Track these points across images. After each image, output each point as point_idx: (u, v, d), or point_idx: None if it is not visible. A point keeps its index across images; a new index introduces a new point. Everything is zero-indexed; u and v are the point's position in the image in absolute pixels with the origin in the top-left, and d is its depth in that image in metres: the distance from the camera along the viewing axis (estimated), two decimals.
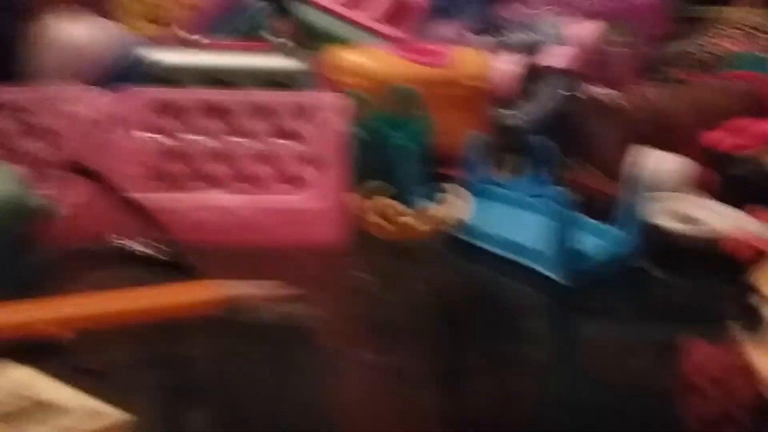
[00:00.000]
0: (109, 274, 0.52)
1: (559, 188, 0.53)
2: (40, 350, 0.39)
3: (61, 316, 0.43)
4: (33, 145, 0.63)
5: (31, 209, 0.50)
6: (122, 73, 0.70)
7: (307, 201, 0.58)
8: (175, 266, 0.52)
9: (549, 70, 0.74)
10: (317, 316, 0.49)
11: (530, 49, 0.75)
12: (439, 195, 0.60)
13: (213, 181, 0.65)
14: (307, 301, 0.49)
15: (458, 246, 0.59)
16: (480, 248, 0.58)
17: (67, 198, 0.55)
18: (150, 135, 0.66)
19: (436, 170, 0.72)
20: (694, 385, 0.33)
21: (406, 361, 0.44)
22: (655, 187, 0.62)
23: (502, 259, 0.56)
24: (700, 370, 0.33)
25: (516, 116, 0.74)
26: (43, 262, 0.49)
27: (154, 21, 0.89)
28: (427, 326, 0.50)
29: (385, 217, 0.57)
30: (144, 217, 0.55)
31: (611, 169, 0.67)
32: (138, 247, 0.52)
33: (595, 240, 0.56)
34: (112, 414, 0.34)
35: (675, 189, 0.62)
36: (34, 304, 0.44)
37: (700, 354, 0.34)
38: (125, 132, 0.63)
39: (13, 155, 0.61)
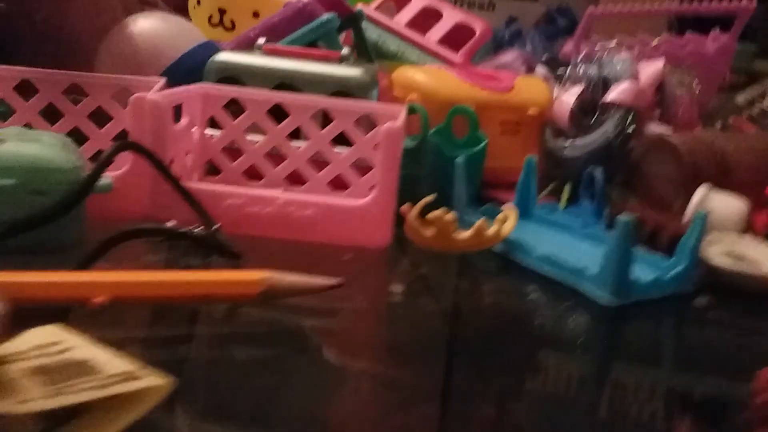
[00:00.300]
0: (152, 253, 0.52)
1: (625, 215, 0.51)
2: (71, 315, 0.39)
3: (97, 283, 0.43)
4: (94, 128, 0.65)
5: (88, 183, 0.50)
6: (190, 70, 0.71)
7: (357, 204, 0.58)
8: (219, 251, 0.52)
9: (611, 105, 0.73)
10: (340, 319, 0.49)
11: (595, 83, 0.75)
12: (492, 214, 0.59)
13: (266, 179, 0.66)
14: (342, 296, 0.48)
15: (505, 263, 0.58)
16: (526, 267, 0.57)
17: (116, 175, 0.56)
18: (210, 130, 0.67)
19: (487, 193, 0.73)
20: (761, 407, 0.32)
21: (425, 377, 0.43)
22: (714, 226, 0.60)
23: (547, 279, 0.55)
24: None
25: (574, 147, 0.73)
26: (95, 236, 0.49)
27: (220, 26, 0.91)
28: (458, 342, 0.48)
29: (439, 228, 0.56)
30: (191, 202, 0.55)
31: (666, 206, 0.66)
32: (183, 229, 0.52)
33: (648, 270, 0.55)
34: (149, 377, 0.33)
35: (733, 230, 0.61)
36: (73, 273, 0.45)
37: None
38: (186, 124, 0.64)
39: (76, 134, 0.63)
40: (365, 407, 0.40)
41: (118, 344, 0.36)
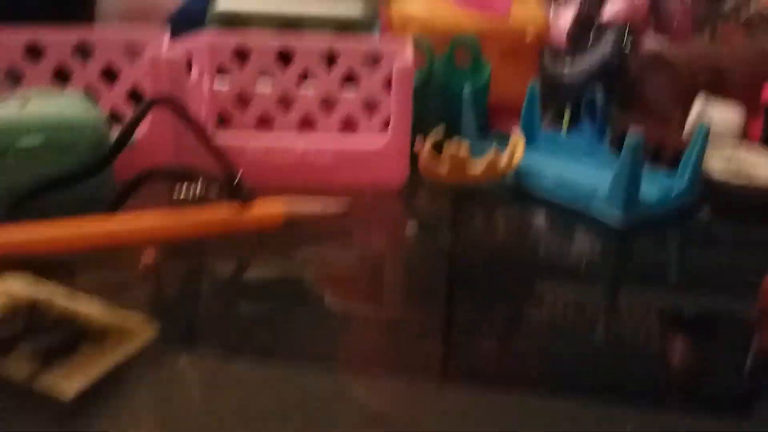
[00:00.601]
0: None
1: (632, 135, 0.54)
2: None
3: (122, 229, 0.46)
4: (104, 87, 0.66)
5: (123, 138, 0.52)
6: (192, 19, 0.71)
7: (374, 147, 0.60)
8: (236, 192, 0.53)
9: (607, 24, 0.74)
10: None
11: (588, 2, 0.76)
12: (501, 143, 0.62)
13: (278, 126, 0.68)
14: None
15: (516, 192, 0.61)
16: (536, 195, 0.60)
17: (140, 131, 0.57)
18: (217, 80, 0.68)
19: (489, 122, 0.75)
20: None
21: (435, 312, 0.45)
22: (713, 136, 0.63)
23: (557, 206, 0.58)
24: None
25: (573, 70, 0.75)
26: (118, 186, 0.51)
27: None
28: (476, 274, 0.50)
29: (453, 164, 0.58)
30: (216, 154, 0.57)
31: (665, 120, 0.69)
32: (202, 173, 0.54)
33: (653, 187, 0.58)
34: (134, 320, 0.37)
35: (730, 138, 0.64)
36: (105, 219, 0.48)
37: None
38: (197, 76, 0.65)
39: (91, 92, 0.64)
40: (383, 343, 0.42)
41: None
